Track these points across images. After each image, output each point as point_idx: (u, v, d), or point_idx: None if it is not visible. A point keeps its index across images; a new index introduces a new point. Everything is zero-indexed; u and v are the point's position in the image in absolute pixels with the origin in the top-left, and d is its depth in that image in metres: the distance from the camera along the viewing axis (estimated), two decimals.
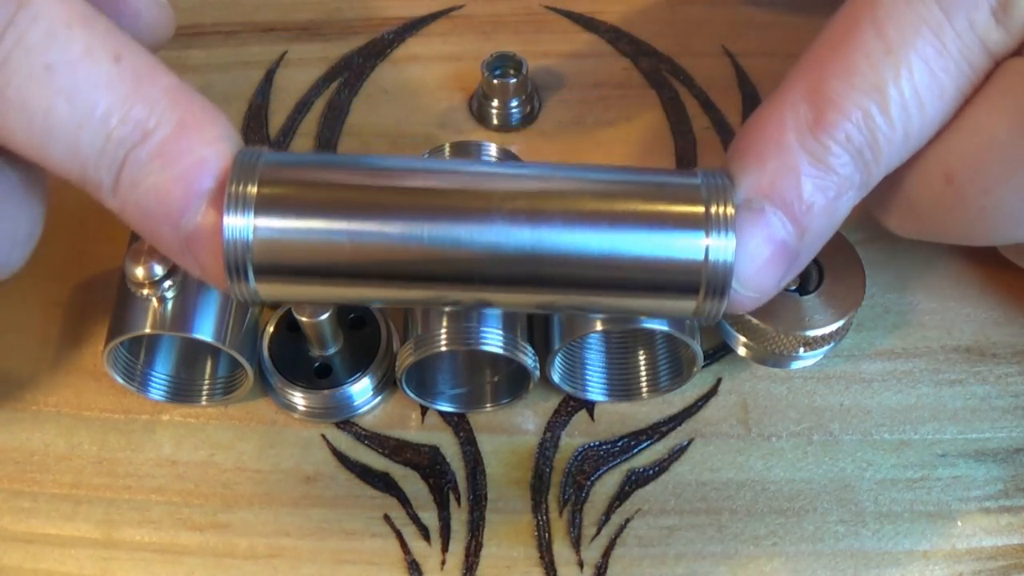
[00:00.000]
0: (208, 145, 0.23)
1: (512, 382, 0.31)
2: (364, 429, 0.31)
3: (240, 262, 0.23)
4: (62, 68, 0.22)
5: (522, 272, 0.24)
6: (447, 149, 0.32)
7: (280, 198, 0.23)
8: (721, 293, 0.24)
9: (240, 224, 0.23)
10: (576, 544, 0.29)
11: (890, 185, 0.26)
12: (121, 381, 0.31)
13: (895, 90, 0.23)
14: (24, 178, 0.25)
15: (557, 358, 0.30)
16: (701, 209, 0.23)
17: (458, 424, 0.31)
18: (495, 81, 0.36)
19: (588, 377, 0.31)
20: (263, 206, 0.23)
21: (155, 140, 0.23)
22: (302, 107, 0.38)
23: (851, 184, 0.24)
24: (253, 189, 0.23)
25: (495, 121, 0.37)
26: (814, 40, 0.25)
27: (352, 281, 0.24)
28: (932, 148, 0.25)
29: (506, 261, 0.23)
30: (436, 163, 0.25)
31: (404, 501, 0.30)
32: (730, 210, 0.23)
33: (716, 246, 0.23)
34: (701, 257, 0.23)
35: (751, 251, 0.24)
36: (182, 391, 0.31)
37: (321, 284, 0.24)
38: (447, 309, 0.28)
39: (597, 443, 0.31)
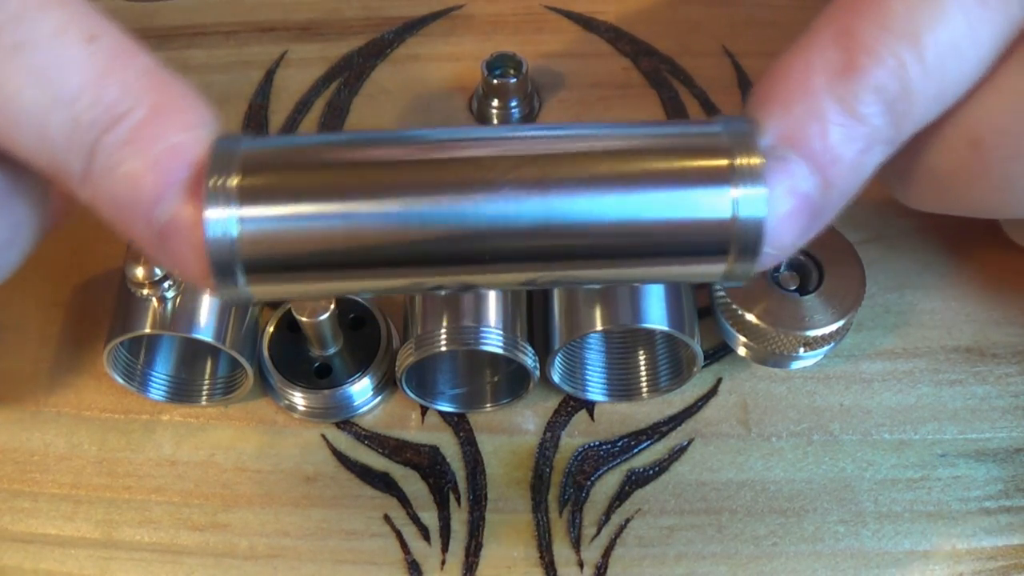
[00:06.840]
0: (184, 131, 0.21)
1: (512, 382, 0.31)
2: (364, 429, 0.31)
3: (226, 260, 0.21)
4: (31, 47, 0.21)
5: (534, 245, 0.22)
6: None
7: (265, 185, 0.21)
8: (753, 251, 0.22)
9: (223, 217, 0.21)
10: (576, 544, 0.29)
11: (909, 151, 0.24)
12: (121, 381, 0.31)
13: (932, 38, 0.22)
14: (8, 180, 0.23)
15: (557, 358, 0.30)
16: (725, 161, 0.21)
17: (458, 424, 0.31)
18: (495, 81, 0.36)
19: (588, 377, 0.31)
20: (248, 196, 0.21)
21: (127, 124, 0.21)
22: (302, 107, 0.38)
23: (881, 137, 0.22)
24: (235, 178, 0.21)
25: (495, 121, 0.37)
26: None
27: (349, 270, 0.22)
28: (958, 111, 0.23)
29: (516, 234, 0.22)
30: (432, 132, 0.23)
31: (404, 501, 0.30)
32: (757, 160, 0.21)
33: (745, 200, 0.21)
34: (729, 214, 0.21)
35: (772, 203, 0.22)
36: (182, 391, 0.31)
37: (316, 277, 0.22)
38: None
39: (597, 443, 0.31)
